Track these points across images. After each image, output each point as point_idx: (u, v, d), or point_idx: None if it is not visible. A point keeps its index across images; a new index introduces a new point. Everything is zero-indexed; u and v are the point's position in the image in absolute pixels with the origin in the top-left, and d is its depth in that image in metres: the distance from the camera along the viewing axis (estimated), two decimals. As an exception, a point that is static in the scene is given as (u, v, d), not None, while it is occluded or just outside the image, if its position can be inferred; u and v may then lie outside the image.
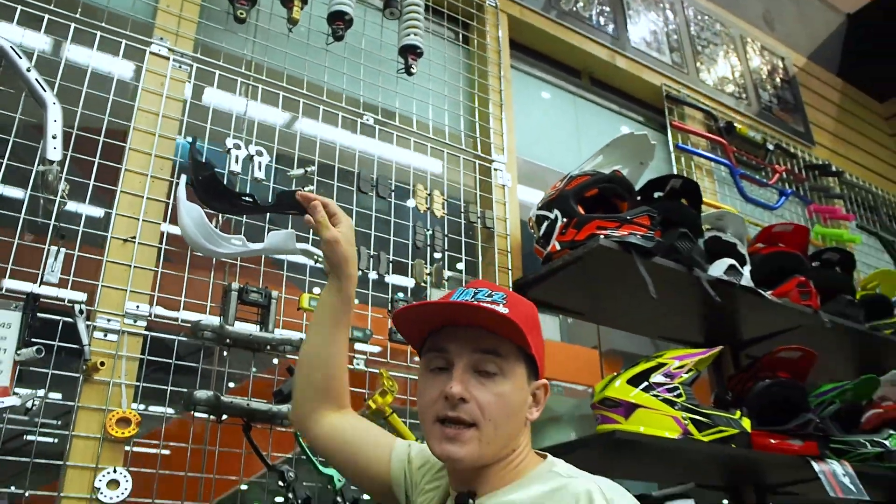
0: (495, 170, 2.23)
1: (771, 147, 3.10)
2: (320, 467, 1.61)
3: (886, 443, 2.11)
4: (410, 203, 2.04)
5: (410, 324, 1.16)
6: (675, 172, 2.83)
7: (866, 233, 3.41)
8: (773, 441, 1.96)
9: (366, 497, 1.65)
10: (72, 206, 1.57)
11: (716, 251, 2.19)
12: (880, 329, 2.45)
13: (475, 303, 1.10)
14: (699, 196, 2.14)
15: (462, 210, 2.09)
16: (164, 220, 1.65)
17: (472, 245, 2.11)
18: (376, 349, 1.86)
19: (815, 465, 1.90)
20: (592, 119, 2.91)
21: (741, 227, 2.29)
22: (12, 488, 1.36)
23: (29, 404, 1.34)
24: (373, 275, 1.88)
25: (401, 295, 1.87)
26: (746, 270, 2.20)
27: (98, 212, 1.66)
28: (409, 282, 1.98)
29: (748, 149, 3.10)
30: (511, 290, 2.03)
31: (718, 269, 2.12)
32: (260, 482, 1.59)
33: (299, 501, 1.53)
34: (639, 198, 2.11)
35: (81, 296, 1.50)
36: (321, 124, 1.99)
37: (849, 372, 2.74)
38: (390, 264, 1.91)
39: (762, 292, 2.07)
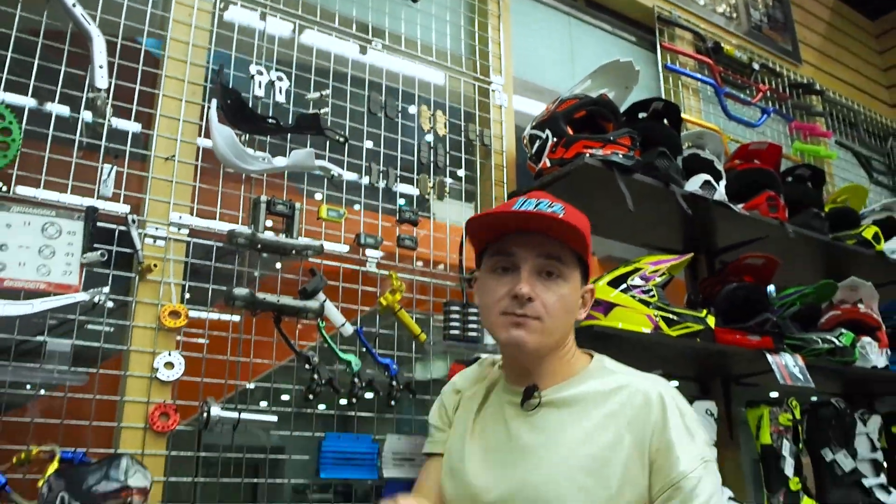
0: (493, 91, 2.42)
1: (756, 67, 3.27)
2: (340, 353, 1.88)
3: (836, 340, 2.38)
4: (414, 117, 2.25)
5: (480, 229, 1.30)
6: (664, 92, 3.02)
7: (844, 148, 3.61)
8: (734, 336, 2.23)
9: (380, 379, 1.93)
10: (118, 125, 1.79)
11: (694, 167, 2.41)
12: (843, 240, 2.68)
13: (547, 212, 1.22)
14: (679, 117, 2.33)
15: (462, 129, 2.30)
16: (200, 136, 1.86)
17: (471, 161, 2.32)
18: (383, 253, 2.10)
19: (770, 357, 2.18)
20: (587, 39, 3.07)
21: (719, 145, 2.50)
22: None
23: (96, 299, 1.60)
24: (382, 184, 2.10)
25: (403, 202, 2.10)
26: (721, 185, 2.41)
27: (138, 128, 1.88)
28: (413, 191, 2.20)
29: (735, 68, 3.27)
30: (506, 199, 2.29)
31: (694, 184, 2.34)
32: (289, 366, 1.85)
33: (323, 381, 1.81)
34: (624, 118, 2.31)
35: (125, 208, 1.74)
36: (335, 48, 2.18)
37: (815, 278, 2.98)
38: (398, 178, 2.13)
39: (732, 205, 2.29)
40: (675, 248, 2.73)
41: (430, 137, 2.24)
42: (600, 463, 1.17)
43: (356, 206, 2.05)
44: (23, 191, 1.63)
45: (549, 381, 1.27)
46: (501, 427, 1.28)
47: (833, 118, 3.64)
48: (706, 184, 2.35)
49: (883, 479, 2.59)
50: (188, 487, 1.66)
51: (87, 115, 1.73)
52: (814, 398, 2.69)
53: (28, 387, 1.61)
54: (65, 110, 1.74)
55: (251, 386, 1.84)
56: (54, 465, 1.45)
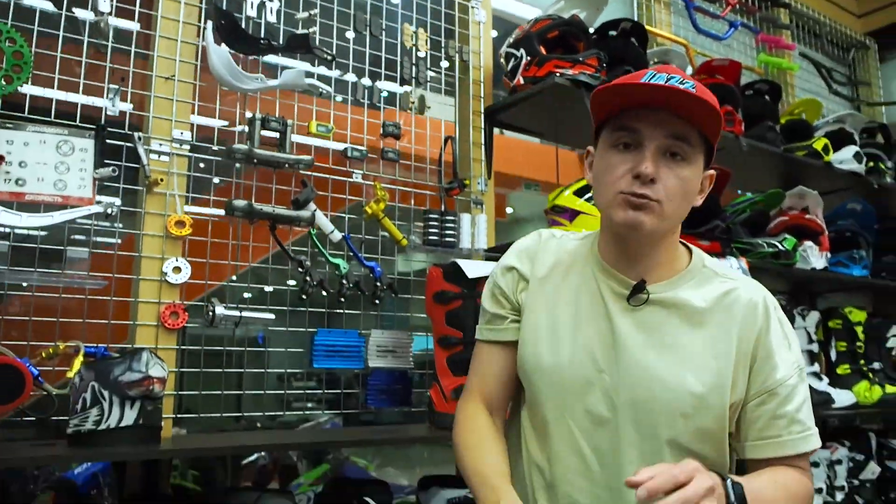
0: (472, 7, 2.53)
1: (726, -21, 3.36)
2: (329, 257, 2.09)
3: (779, 245, 2.61)
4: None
5: (604, 99, 1.20)
6: (636, 5, 3.13)
7: (806, 60, 3.74)
8: (687, 240, 2.45)
9: (366, 280, 2.15)
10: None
11: (659, 82, 2.57)
12: (794, 151, 2.88)
13: (679, 87, 1.12)
14: (646, 36, 2.47)
15: (442, 45, 2.43)
16: (197, 60, 1.99)
17: (450, 77, 2.46)
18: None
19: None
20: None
21: (684, 60, 2.65)
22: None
23: (109, 210, 1.77)
24: (367, 101, 2.25)
25: (390, 124, 2.26)
26: (685, 100, 2.59)
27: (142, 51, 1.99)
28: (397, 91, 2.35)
29: (705, -20, 3.36)
30: (483, 115, 2.45)
31: (658, 99, 2.51)
32: (284, 269, 2.06)
33: (315, 282, 2.02)
34: (595, 37, 2.45)
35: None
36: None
37: (772, 185, 3.20)
38: (382, 95, 2.28)
39: (691, 121, 2.46)
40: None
41: (420, 53, 2.37)
42: (712, 374, 1.19)
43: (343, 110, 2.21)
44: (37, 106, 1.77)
45: (655, 274, 1.24)
46: (603, 318, 1.24)
47: (799, 29, 3.76)
48: (669, 100, 2.52)
49: (816, 367, 2.90)
50: (196, 376, 1.90)
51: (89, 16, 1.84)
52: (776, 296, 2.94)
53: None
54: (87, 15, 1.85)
55: (242, 293, 2.05)
56: (79, 359, 1.67)
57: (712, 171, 1.27)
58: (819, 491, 2.71)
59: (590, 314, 1.25)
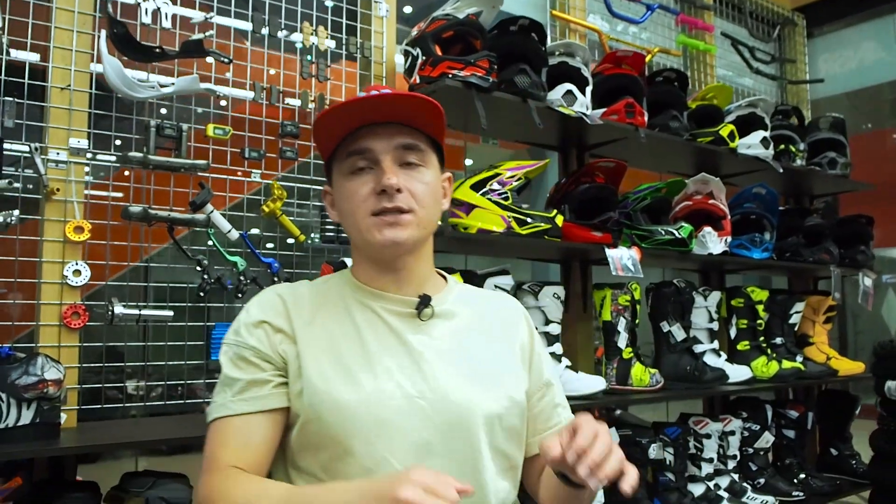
0: (376, 2, 2.71)
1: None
2: (227, 256, 2.32)
3: (676, 232, 2.87)
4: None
5: (328, 128, 1.25)
6: (551, -11, 3.30)
7: (728, 39, 3.93)
8: (580, 232, 2.70)
9: (263, 276, 2.38)
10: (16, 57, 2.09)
11: (562, 74, 2.78)
12: (697, 138, 3.11)
13: (399, 92, 1.26)
14: (544, 33, 2.67)
15: (343, 42, 2.62)
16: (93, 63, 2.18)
17: (351, 72, 2.66)
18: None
19: (607, 251, 2.66)
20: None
21: (587, 53, 2.85)
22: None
23: (8, 220, 1.99)
24: (265, 101, 2.45)
25: (288, 123, 2.47)
26: (588, 91, 2.80)
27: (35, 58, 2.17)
28: (296, 103, 2.54)
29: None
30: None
31: (557, 93, 2.72)
32: (184, 268, 2.29)
33: (212, 280, 2.26)
34: (495, 32, 2.64)
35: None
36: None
37: (686, 169, 3.46)
38: (280, 94, 2.48)
39: (586, 117, 2.68)
40: (551, 143, 3.16)
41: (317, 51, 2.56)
42: (511, 374, 1.34)
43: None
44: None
45: (427, 288, 1.33)
46: (395, 343, 1.26)
47: (723, 5, 3.94)
48: (568, 93, 2.73)
49: (715, 344, 3.19)
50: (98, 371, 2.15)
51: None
52: (677, 280, 3.19)
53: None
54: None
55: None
56: (-16, 359, 1.91)
57: (450, 174, 1.38)
58: (710, 460, 3.04)
59: (379, 343, 1.25)
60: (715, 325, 3.19)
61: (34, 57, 2.13)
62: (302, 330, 1.25)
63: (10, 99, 2.05)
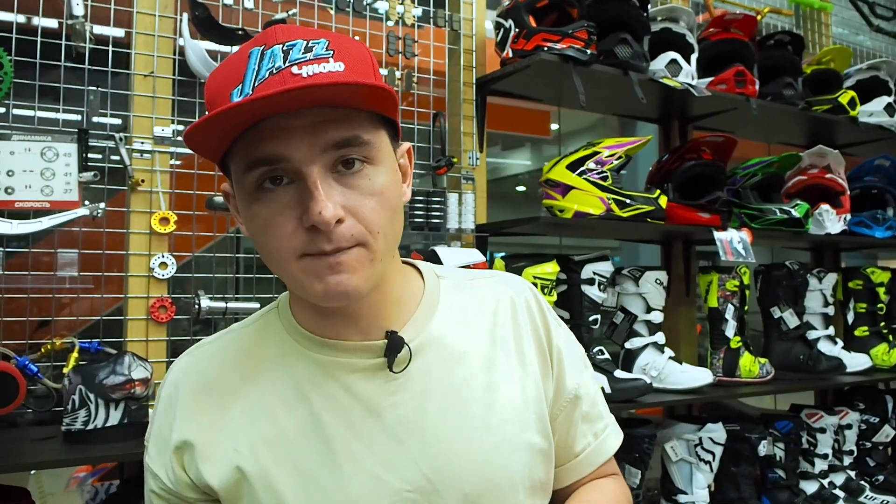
0: (464, -29, 2.55)
1: None
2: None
3: (792, 211, 2.64)
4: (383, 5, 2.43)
5: (210, 135, 0.81)
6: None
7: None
8: (685, 213, 2.50)
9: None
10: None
11: (666, 41, 2.57)
12: (812, 106, 2.85)
13: (304, 78, 0.77)
14: (648, -6, 2.47)
15: (431, 15, 2.47)
16: (175, 54, 2.10)
17: (439, 48, 2.51)
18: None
19: (715, 234, 2.47)
20: None
21: (692, 17, 2.63)
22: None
23: (95, 213, 1.95)
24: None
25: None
26: (693, 59, 2.58)
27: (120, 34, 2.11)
28: (383, 72, 2.42)
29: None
30: (475, 86, 2.51)
31: (660, 63, 2.52)
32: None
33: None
34: (590, 1, 2.45)
35: (118, 122, 2.04)
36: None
37: (800, 141, 3.21)
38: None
39: (692, 89, 2.47)
40: (651, 116, 2.96)
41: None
42: (531, 411, 0.98)
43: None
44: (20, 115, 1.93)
45: (395, 317, 0.96)
46: (363, 416, 0.91)
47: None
48: (672, 63, 2.53)
49: (831, 330, 2.96)
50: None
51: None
52: (789, 262, 2.96)
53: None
54: (52, 23, 1.98)
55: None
56: (75, 355, 1.88)
57: (408, 145, 0.97)
58: (824, 456, 2.83)
59: (341, 423, 0.91)
60: (830, 310, 2.97)
61: (119, 33, 2.06)
62: (216, 428, 0.93)
63: (95, 88, 2.00)
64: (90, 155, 1.97)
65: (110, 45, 2.03)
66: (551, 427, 1.01)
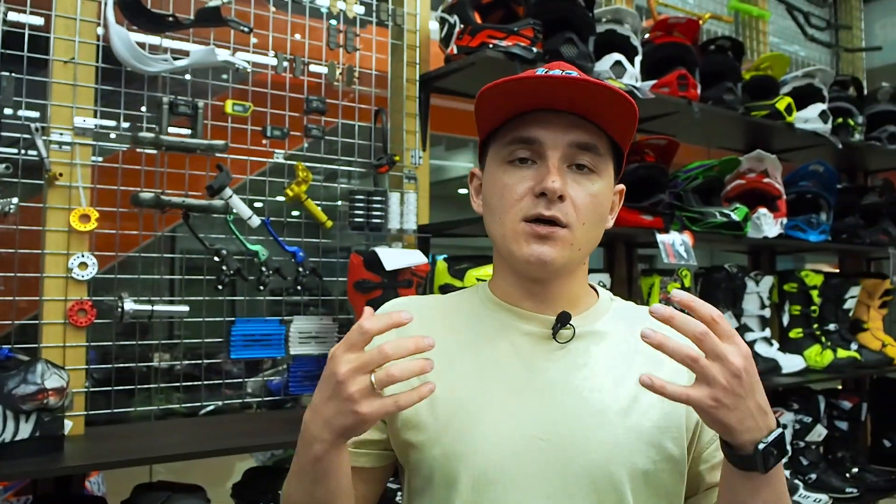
0: (408, -36, 2.42)
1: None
2: (247, 244, 2.08)
3: (732, 214, 2.59)
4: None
5: (493, 104, 1.02)
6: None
7: (781, 3, 3.60)
8: (629, 215, 2.42)
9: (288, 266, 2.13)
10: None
11: (610, 43, 2.49)
12: (751, 111, 2.81)
13: (588, 78, 0.96)
14: (593, -3, 2.38)
15: (374, 9, 2.33)
16: (98, 41, 1.92)
17: (382, 41, 2.38)
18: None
19: (658, 236, 2.39)
20: None
21: (636, 20, 2.55)
22: None
23: (6, 209, 1.75)
24: (288, 74, 2.19)
25: (314, 98, 2.20)
26: (637, 61, 2.51)
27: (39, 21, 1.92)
28: (323, 69, 2.27)
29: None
30: (419, 83, 2.38)
31: (605, 64, 2.44)
32: (200, 258, 2.05)
33: (231, 272, 2.02)
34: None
35: (35, 114, 1.85)
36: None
37: (739, 145, 3.18)
38: (305, 66, 2.21)
39: (636, 91, 2.39)
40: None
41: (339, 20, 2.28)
42: (663, 406, 1.02)
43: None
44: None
45: (571, 308, 1.07)
46: (523, 370, 1.03)
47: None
48: (616, 64, 2.44)
49: (767, 332, 2.93)
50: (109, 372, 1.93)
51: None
52: (729, 265, 2.92)
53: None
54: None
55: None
56: (-17, 362, 1.69)
57: (622, 187, 1.12)
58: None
59: (500, 369, 1.04)
60: (767, 312, 2.93)
61: (37, 21, 1.87)
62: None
63: (8, 73, 1.80)
64: (1, 147, 1.78)
65: (26, 29, 1.84)
66: (697, 449, 1.06)
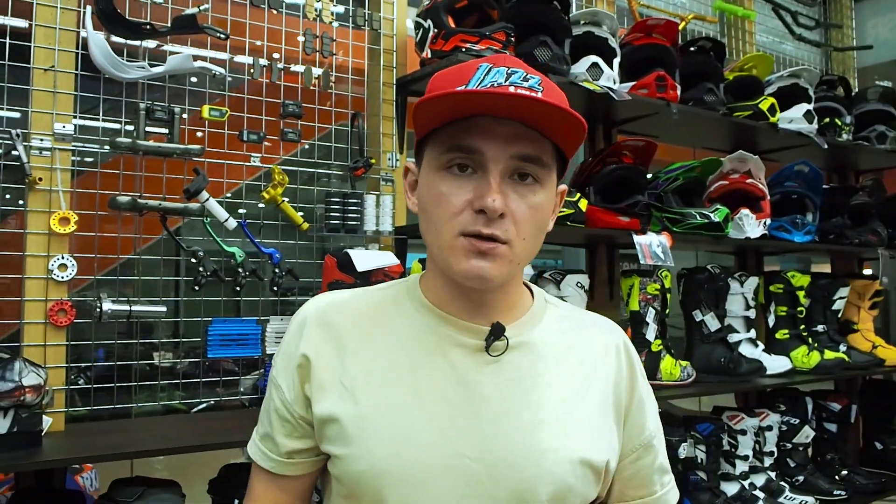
0: (386, -32, 2.53)
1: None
2: (224, 246, 2.18)
3: (711, 216, 2.67)
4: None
5: (429, 113, 1.01)
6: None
7: (770, 4, 3.68)
8: (606, 217, 2.51)
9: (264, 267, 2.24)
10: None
11: (588, 45, 2.58)
12: (734, 112, 2.90)
13: (532, 93, 0.95)
14: (567, 1, 2.47)
15: (350, 14, 2.44)
16: (77, 48, 2.03)
17: (358, 46, 2.48)
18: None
19: (635, 237, 2.48)
20: None
21: (614, 22, 2.65)
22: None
23: (-12, 212, 1.87)
24: (265, 80, 2.30)
25: (290, 103, 2.31)
26: (615, 63, 2.60)
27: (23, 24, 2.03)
28: (301, 68, 2.38)
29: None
30: (395, 86, 2.48)
31: (581, 66, 2.53)
32: (175, 259, 2.16)
33: (208, 273, 2.13)
34: (511, 2, 2.45)
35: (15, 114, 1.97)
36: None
37: (723, 145, 3.25)
38: (282, 72, 2.32)
39: (611, 92, 2.48)
40: (577, 119, 2.97)
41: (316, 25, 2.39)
42: (596, 431, 1.08)
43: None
44: None
45: (507, 316, 1.09)
46: (451, 382, 1.04)
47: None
48: (593, 66, 2.53)
49: (752, 334, 3.00)
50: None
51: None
52: (711, 265, 2.99)
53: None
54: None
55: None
56: (-36, 361, 1.80)
57: (564, 187, 1.12)
58: (745, 458, 2.86)
59: (434, 381, 1.04)
60: (752, 313, 3.00)
61: (20, 23, 1.99)
62: (333, 356, 1.08)
63: (-12, 82, 1.92)
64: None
65: (7, 37, 1.96)
66: (619, 466, 1.13)
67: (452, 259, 1.00)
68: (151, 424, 2.12)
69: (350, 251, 2.11)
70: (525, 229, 1.00)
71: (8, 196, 1.99)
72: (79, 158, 2.05)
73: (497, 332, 1.05)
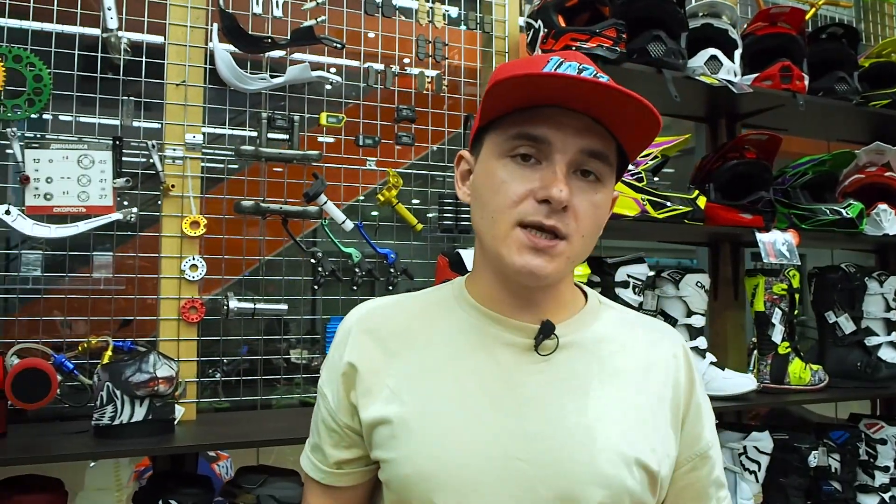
0: (496, -28, 2.59)
1: None
2: (342, 247, 2.31)
3: (843, 211, 2.57)
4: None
5: (499, 98, 0.98)
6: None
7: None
8: (727, 214, 2.47)
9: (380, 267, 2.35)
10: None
11: (706, 37, 2.55)
12: (868, 102, 2.76)
13: (609, 83, 0.92)
14: (685, -9, 2.45)
15: (462, 18, 2.52)
16: (206, 63, 2.21)
17: (470, 49, 2.55)
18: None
19: (758, 235, 2.43)
20: None
21: (735, 13, 2.59)
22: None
23: (129, 218, 2.06)
24: (379, 86, 2.40)
25: (404, 107, 2.41)
26: (737, 55, 2.55)
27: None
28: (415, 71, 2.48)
29: None
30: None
31: (699, 60, 2.49)
32: (298, 260, 2.30)
33: (326, 272, 2.25)
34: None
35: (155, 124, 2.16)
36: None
37: (859, 137, 3.10)
38: (395, 77, 2.42)
39: (730, 85, 2.44)
40: (698, 115, 2.93)
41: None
42: (652, 437, 1.05)
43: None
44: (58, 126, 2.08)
45: (557, 315, 1.06)
46: (501, 384, 1.02)
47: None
48: (711, 59, 2.50)
49: (893, 337, 2.85)
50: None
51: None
52: (845, 263, 2.87)
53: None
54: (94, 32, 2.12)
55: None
56: (109, 353, 2.00)
57: (617, 194, 1.11)
58: (885, 469, 2.73)
59: (481, 381, 1.02)
60: (893, 315, 2.85)
61: (157, 39, 2.18)
62: (381, 362, 1.07)
63: (129, 98, 2.12)
64: (125, 160, 2.09)
65: (143, 57, 2.15)
66: (674, 475, 1.09)
67: (505, 251, 0.98)
68: (277, 416, 2.27)
69: (461, 251, 2.17)
70: (585, 226, 0.98)
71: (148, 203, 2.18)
72: (209, 165, 2.22)
73: (547, 330, 1.03)
